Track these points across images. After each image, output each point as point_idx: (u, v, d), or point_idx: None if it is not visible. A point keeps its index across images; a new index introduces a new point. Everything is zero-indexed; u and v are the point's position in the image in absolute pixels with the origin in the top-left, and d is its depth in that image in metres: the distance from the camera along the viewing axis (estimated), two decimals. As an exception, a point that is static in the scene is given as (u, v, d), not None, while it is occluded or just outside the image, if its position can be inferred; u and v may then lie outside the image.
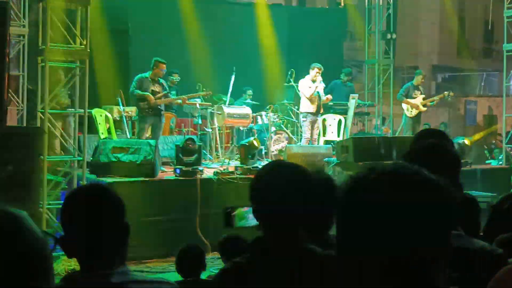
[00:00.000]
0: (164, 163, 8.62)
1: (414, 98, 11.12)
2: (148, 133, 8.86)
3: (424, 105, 11.14)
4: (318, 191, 2.18)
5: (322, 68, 9.95)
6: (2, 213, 1.02)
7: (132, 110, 9.50)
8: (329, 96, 10.26)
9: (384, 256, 1.03)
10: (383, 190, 1.04)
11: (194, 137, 8.86)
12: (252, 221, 2.27)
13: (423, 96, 11.22)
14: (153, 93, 8.76)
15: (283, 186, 1.92)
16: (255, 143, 8.53)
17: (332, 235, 2.29)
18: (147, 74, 8.86)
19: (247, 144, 8.58)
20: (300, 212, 1.93)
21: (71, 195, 1.86)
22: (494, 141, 16.39)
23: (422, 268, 1.04)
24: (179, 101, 9.62)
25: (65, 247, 1.73)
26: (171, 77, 11.03)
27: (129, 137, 9.50)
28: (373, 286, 1.05)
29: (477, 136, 11.32)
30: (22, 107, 9.26)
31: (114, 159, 7.55)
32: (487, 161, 11.87)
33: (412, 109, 11.09)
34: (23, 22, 9.35)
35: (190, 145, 7.92)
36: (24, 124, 8.87)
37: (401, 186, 1.04)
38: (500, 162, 11.10)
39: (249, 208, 2.31)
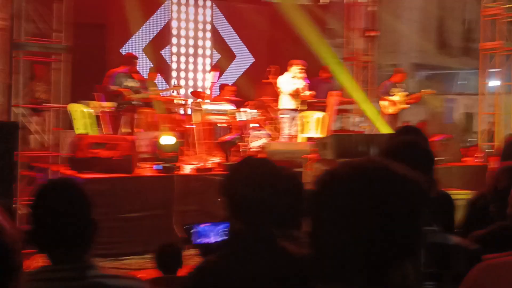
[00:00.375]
0: (142, 159, 8.54)
1: (393, 95, 11.18)
2: (123, 129, 8.78)
3: (402, 103, 11.20)
4: (286, 188, 2.19)
5: (302, 63, 9.95)
6: None
7: (109, 105, 9.40)
8: (313, 93, 10.27)
9: (352, 251, 1.02)
10: (351, 184, 1.05)
11: (171, 133, 8.79)
12: (212, 238, 2.27)
13: (401, 93, 11.28)
14: (127, 88, 8.68)
15: (254, 180, 1.92)
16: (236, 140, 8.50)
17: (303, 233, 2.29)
18: (120, 69, 8.78)
19: (229, 141, 8.55)
20: (271, 206, 1.92)
21: (39, 189, 1.88)
22: (470, 139, 16.59)
23: (391, 263, 1.03)
24: (150, 94, 9.55)
25: (34, 242, 1.76)
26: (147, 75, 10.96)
27: (105, 132, 9.40)
28: (342, 282, 1.03)
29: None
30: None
31: (90, 155, 7.46)
32: (463, 159, 11.99)
33: (389, 106, 11.15)
34: (2, 15, 9.16)
35: (168, 143, 7.87)
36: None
37: (370, 180, 1.05)
38: (476, 160, 11.22)
39: (210, 225, 2.32)
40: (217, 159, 8.87)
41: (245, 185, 1.91)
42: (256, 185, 1.91)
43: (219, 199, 1.97)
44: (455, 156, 10.43)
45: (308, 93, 10.07)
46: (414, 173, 1.10)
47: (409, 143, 2.36)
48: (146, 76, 10.95)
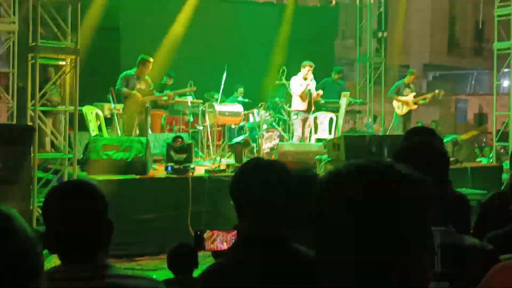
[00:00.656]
0: (155, 161, 8.60)
1: (405, 96, 11.15)
2: (136, 131, 8.83)
3: (414, 103, 11.17)
4: (304, 189, 2.19)
5: (313, 65, 9.95)
6: None
7: (122, 107, 9.48)
8: (320, 92, 10.26)
9: (360, 254, 1.03)
10: (358, 185, 1.04)
11: (184, 134, 8.84)
12: (223, 244, 2.27)
13: (413, 94, 11.25)
14: (139, 90, 8.74)
15: (262, 181, 1.90)
16: (249, 141, 8.53)
17: None
18: (133, 72, 8.83)
19: (242, 142, 8.58)
20: (282, 208, 1.91)
21: (51, 191, 1.86)
22: (484, 139, 16.50)
23: (396, 262, 1.03)
24: (165, 98, 9.60)
25: (48, 243, 1.74)
26: (165, 78, 11.01)
27: (120, 134, 9.47)
28: (349, 285, 1.04)
29: (467, 135, 11.36)
30: (12, 104, 9.20)
31: (105, 157, 7.52)
32: (477, 159, 11.94)
33: (402, 107, 11.12)
34: (13, 19, 9.28)
35: (179, 142, 7.89)
36: (14, 122, 8.82)
37: (377, 181, 1.05)
38: (491, 160, 11.17)
39: (220, 232, 2.30)
40: (230, 160, 8.90)
41: (253, 186, 1.89)
42: (264, 186, 1.89)
43: (230, 202, 1.96)
44: (470, 157, 10.40)
45: (315, 93, 10.07)
46: (420, 174, 1.09)
47: (423, 144, 2.35)
48: (160, 78, 11.01)
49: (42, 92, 7.52)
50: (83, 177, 7.29)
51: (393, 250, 1.03)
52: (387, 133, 12.51)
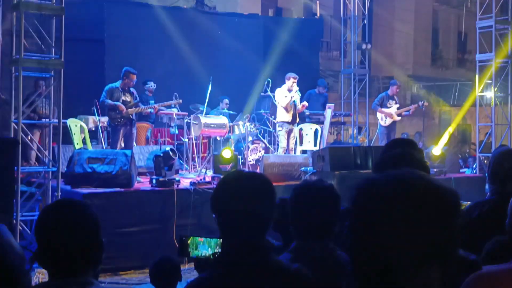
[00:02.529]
0: (140, 173, 8.57)
1: (389, 107, 11.24)
2: (122, 143, 8.80)
3: (398, 115, 11.26)
4: (323, 200, 2.23)
5: (297, 77, 10.01)
6: None
7: (107, 120, 9.45)
8: (305, 103, 10.30)
9: (386, 256, 1.08)
10: (391, 194, 1.10)
11: (169, 146, 8.82)
12: (208, 250, 2.28)
13: (397, 105, 11.35)
14: (124, 103, 8.73)
15: (243, 192, 1.90)
16: (228, 153, 8.52)
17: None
18: (117, 84, 8.83)
19: (218, 154, 8.59)
20: (264, 219, 1.92)
21: (46, 210, 1.89)
22: (468, 150, 16.65)
23: (420, 269, 1.08)
24: (150, 110, 9.60)
25: (39, 260, 1.77)
26: (147, 86, 11.03)
27: (104, 147, 9.42)
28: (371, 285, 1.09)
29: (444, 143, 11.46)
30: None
31: (89, 170, 7.48)
32: (461, 170, 12.04)
33: (386, 118, 11.21)
34: (-2, 31, 9.24)
35: (172, 156, 7.89)
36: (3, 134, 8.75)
37: (409, 191, 1.11)
38: (474, 171, 11.27)
39: (204, 239, 2.32)
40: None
41: (234, 198, 1.89)
42: (245, 198, 1.89)
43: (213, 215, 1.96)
44: (454, 167, 10.49)
45: (300, 104, 10.11)
46: (448, 185, 1.16)
47: (403, 155, 2.38)
48: (145, 90, 11.01)
49: (26, 105, 7.47)
50: (68, 191, 7.25)
51: (421, 256, 1.08)
52: (371, 144, 12.59)
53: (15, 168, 6.22)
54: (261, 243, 1.92)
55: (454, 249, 1.14)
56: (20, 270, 1.04)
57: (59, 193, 7.05)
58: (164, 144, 9.89)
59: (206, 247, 2.35)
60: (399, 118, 11.32)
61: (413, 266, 1.08)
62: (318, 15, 17.43)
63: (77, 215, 1.81)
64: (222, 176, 2.10)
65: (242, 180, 1.97)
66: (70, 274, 1.76)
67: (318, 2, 17.72)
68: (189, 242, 2.38)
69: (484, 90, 11.88)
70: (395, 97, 11.47)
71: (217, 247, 2.36)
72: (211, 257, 2.34)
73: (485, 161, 11.66)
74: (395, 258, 1.07)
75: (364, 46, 14.10)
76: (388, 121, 11.21)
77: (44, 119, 8.89)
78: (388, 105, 11.25)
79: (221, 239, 2.25)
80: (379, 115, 11.31)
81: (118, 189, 7.35)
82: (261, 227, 1.91)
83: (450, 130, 12.70)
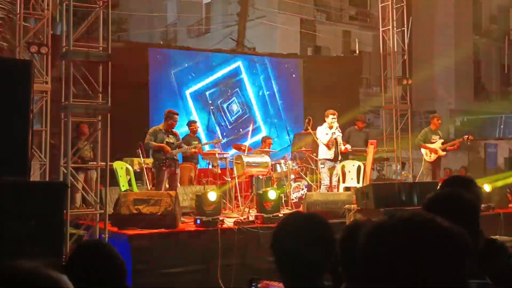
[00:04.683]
0: (184, 214, 8.64)
1: (433, 142, 11.09)
2: (166, 184, 8.93)
3: (443, 150, 11.09)
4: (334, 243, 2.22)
5: (336, 113, 10.00)
6: (45, 277, 1.04)
7: (151, 162, 9.62)
8: (348, 146, 10.29)
9: None
10: (399, 236, 1.13)
11: (212, 187, 8.90)
12: None
13: (442, 140, 11.19)
14: (168, 144, 8.89)
15: (303, 235, 1.92)
16: (273, 194, 8.52)
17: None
18: (160, 126, 9.03)
19: (262, 193, 8.59)
20: (319, 263, 1.92)
21: (70, 253, 1.94)
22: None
23: None
24: (194, 149, 9.74)
25: None
26: (191, 126, 11.21)
27: (149, 188, 9.57)
28: None
29: (500, 183, 11.16)
30: (44, 161, 9.41)
31: (135, 211, 7.59)
32: (510, 205, 11.69)
33: (431, 154, 11.05)
34: (46, 78, 9.61)
35: (210, 197, 7.95)
36: (47, 179, 8.99)
37: (416, 232, 1.13)
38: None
39: (273, 282, 2.31)
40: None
41: (291, 240, 1.91)
42: (302, 240, 1.90)
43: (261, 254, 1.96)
44: (502, 202, 10.20)
45: (343, 146, 10.10)
46: (458, 227, 1.16)
47: (450, 196, 2.36)
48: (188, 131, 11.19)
49: (74, 149, 7.70)
50: (115, 234, 7.35)
51: None
52: (416, 180, 12.38)
53: (64, 211, 6.37)
54: (315, 285, 1.91)
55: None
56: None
57: (106, 235, 7.17)
58: (207, 184, 9.97)
59: None
60: (444, 153, 11.14)
61: None
62: (358, 51, 17.49)
63: (102, 261, 1.86)
64: (282, 217, 2.10)
65: (301, 222, 1.98)
66: None
67: (357, 39, 17.80)
68: (259, 286, 2.38)
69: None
70: (438, 131, 11.31)
71: None
72: None
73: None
74: None
75: (404, 81, 14.01)
76: (433, 156, 11.04)
77: (89, 162, 9.14)
78: (433, 140, 11.10)
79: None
80: (423, 150, 11.16)
81: (163, 230, 7.42)
82: (317, 270, 1.92)
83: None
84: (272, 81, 14.27)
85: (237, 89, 13.94)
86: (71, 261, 1.89)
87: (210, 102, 13.55)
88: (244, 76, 13.98)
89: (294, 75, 14.56)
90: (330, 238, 1.96)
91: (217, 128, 13.54)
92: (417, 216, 1.17)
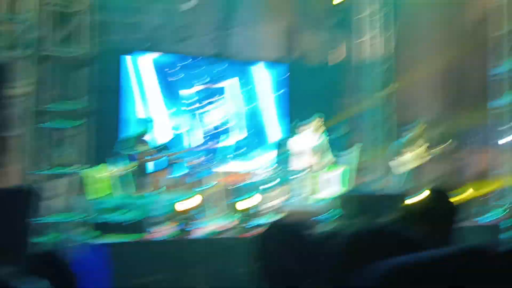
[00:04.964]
0: (158, 222, 8.59)
1: (413, 151, 11.16)
2: (142, 191, 8.88)
3: (423, 158, 11.16)
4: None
5: (320, 121, 10.01)
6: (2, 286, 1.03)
7: (128, 168, 9.55)
8: (331, 157, 10.32)
9: None
10: (374, 247, 1.15)
11: (190, 194, 8.85)
12: None
13: (422, 149, 11.26)
14: (142, 151, 8.84)
15: (287, 246, 1.92)
16: (250, 201, 8.52)
17: None
18: (135, 133, 8.99)
19: (242, 201, 8.58)
20: (301, 274, 1.92)
21: (30, 262, 1.93)
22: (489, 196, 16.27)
23: None
24: (170, 157, 9.71)
25: None
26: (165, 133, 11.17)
27: (124, 195, 9.49)
28: None
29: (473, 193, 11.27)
30: (21, 166, 9.28)
31: (108, 219, 7.54)
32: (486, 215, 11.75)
33: (412, 162, 11.12)
34: (25, 82, 9.50)
35: (186, 203, 7.90)
36: (23, 184, 8.89)
37: (387, 245, 1.15)
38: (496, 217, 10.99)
39: None
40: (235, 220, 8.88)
41: (279, 252, 1.91)
42: (290, 251, 1.90)
43: (253, 265, 1.94)
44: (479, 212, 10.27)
45: (326, 159, 10.13)
46: (428, 239, 1.23)
47: (432, 205, 2.39)
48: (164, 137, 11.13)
49: (53, 154, 7.63)
50: (88, 242, 7.29)
51: None
52: (395, 190, 12.43)
53: (34, 219, 6.30)
54: None
55: None
56: None
57: (85, 241, 7.10)
58: (184, 191, 9.91)
59: None
60: (424, 161, 11.21)
61: None
62: (340, 60, 17.53)
63: (56, 266, 1.85)
64: (264, 228, 2.08)
65: (285, 233, 1.98)
66: None
67: (342, 46, 17.87)
68: None
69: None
70: (418, 140, 11.39)
71: None
72: None
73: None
74: None
75: (387, 90, 14.10)
76: (414, 164, 11.11)
77: (68, 167, 9.03)
78: (412, 149, 11.18)
79: None
80: (404, 158, 11.23)
81: (137, 237, 7.37)
82: (300, 280, 1.91)
83: None
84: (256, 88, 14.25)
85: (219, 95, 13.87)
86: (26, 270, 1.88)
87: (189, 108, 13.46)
88: (226, 83, 13.93)
89: (278, 82, 14.56)
90: (314, 248, 1.95)
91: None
92: (388, 226, 1.20)
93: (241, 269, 6.46)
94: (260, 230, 2.09)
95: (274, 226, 2.10)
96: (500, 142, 11.58)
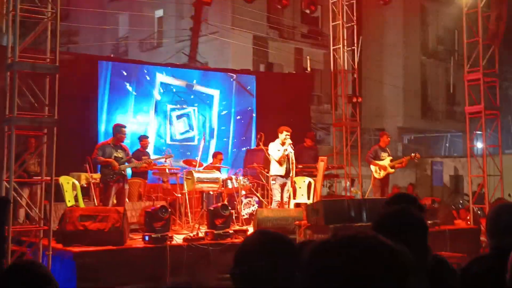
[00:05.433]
0: (132, 230, 8.46)
1: (382, 160, 11.28)
2: (114, 200, 8.74)
3: (391, 167, 11.29)
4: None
5: (290, 130, 10.05)
6: None
7: (99, 177, 9.40)
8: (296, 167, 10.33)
9: None
10: (341, 255, 1.13)
11: (162, 202, 8.76)
12: None
13: (390, 158, 11.39)
14: (116, 159, 8.73)
15: (269, 254, 1.87)
16: (224, 208, 8.45)
17: None
18: (109, 140, 8.88)
19: (213, 209, 8.50)
20: (286, 281, 1.88)
21: (6, 271, 1.91)
22: (461, 201, 16.64)
23: None
24: (145, 164, 9.60)
25: None
26: (141, 141, 11.04)
27: (96, 204, 9.34)
28: None
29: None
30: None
31: (81, 228, 7.38)
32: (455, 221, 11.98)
33: (380, 171, 11.23)
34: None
35: (162, 214, 7.74)
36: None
37: (357, 252, 1.14)
38: (468, 222, 11.21)
39: None
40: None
41: (260, 260, 1.85)
42: (272, 260, 1.85)
43: (232, 272, 1.89)
44: (447, 219, 10.42)
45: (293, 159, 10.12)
46: (400, 245, 1.18)
47: (401, 213, 2.39)
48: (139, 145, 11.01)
49: (19, 163, 7.44)
50: (60, 251, 7.12)
51: None
52: (365, 197, 12.55)
53: (5, 227, 6.13)
54: None
55: None
56: None
57: (50, 252, 6.93)
58: (157, 199, 9.81)
59: None
60: (392, 170, 11.35)
61: None
62: (309, 69, 17.71)
63: (30, 278, 1.81)
64: (245, 237, 2.03)
65: (265, 242, 1.93)
66: None
67: (308, 57, 18.03)
68: None
69: (475, 141, 11.96)
70: (387, 149, 11.53)
71: None
72: None
73: (479, 212, 11.63)
74: None
75: (354, 99, 14.26)
76: (382, 173, 11.23)
77: (34, 177, 8.84)
78: (382, 158, 11.29)
79: None
80: (373, 167, 11.34)
81: (110, 247, 7.23)
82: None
83: None
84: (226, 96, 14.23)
85: (189, 103, 13.82)
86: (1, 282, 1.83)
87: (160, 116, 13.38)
88: (196, 90, 13.88)
89: (246, 91, 14.57)
90: (296, 256, 1.91)
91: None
92: (360, 234, 1.18)
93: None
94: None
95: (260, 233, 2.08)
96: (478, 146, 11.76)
